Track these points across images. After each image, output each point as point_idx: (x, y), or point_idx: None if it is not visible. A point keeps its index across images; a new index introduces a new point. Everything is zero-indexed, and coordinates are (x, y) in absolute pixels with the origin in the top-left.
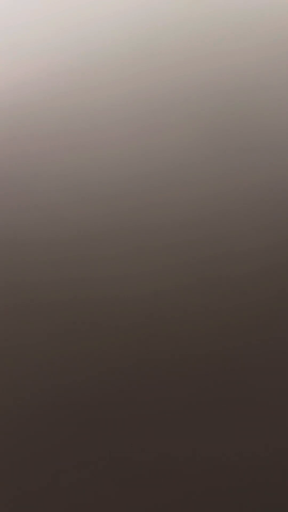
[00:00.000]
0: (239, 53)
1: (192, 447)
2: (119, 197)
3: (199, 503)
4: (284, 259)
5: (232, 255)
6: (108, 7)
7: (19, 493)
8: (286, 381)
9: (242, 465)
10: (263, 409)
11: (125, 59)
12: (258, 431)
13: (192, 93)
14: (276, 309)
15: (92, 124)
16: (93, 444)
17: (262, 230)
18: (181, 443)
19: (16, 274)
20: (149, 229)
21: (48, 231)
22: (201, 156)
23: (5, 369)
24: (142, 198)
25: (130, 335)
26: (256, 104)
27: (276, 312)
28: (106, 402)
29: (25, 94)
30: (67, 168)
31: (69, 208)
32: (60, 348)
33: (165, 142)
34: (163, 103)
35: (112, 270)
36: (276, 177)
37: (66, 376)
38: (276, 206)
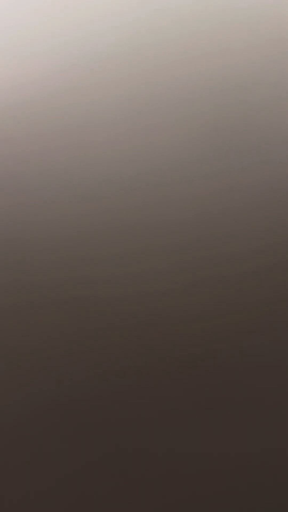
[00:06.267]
0: (238, 52)
1: (192, 446)
2: (119, 196)
3: (199, 503)
4: (283, 258)
5: (231, 254)
6: (107, 7)
7: (19, 493)
8: (286, 380)
9: (241, 464)
10: (262, 408)
11: (124, 59)
12: (258, 430)
13: (191, 92)
14: (276, 308)
15: (92, 123)
16: (93, 442)
17: (261, 229)
18: (182, 443)
19: (17, 273)
20: (148, 228)
21: (48, 231)
22: (200, 155)
23: (6, 367)
24: (141, 198)
25: (130, 334)
26: (255, 103)
27: (276, 311)
28: (107, 401)
29: (24, 94)
30: (67, 167)
31: (69, 208)
32: (60, 347)
33: (164, 141)
34: (162, 103)
35: (111, 269)
36: (275, 177)
37: (66, 375)
38: (275, 206)
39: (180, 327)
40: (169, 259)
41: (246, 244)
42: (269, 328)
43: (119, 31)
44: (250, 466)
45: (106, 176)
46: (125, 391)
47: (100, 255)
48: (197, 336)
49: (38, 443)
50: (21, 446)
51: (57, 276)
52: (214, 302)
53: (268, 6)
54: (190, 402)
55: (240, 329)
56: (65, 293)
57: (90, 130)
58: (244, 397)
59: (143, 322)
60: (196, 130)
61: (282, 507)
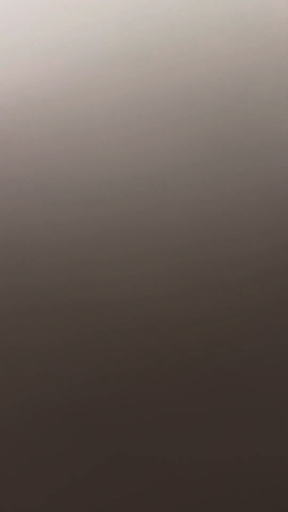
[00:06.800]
0: (239, 56)
1: (191, 449)
2: (119, 200)
3: (199, 508)
4: (283, 262)
5: (231, 258)
6: (108, 9)
7: (19, 497)
8: (286, 384)
9: (241, 469)
10: (262, 413)
11: (125, 62)
12: (258, 435)
13: (192, 96)
14: (276, 312)
15: (92, 126)
16: (92, 446)
17: (261, 233)
18: (181, 447)
19: (17, 277)
20: (149, 232)
21: (48, 234)
22: (200, 159)
23: (6, 371)
24: (141, 201)
25: (130, 337)
26: (255, 107)
27: (276, 315)
28: (107, 404)
29: (24, 97)
30: (67, 170)
31: (69, 211)
32: (60, 350)
33: (164, 145)
34: (163, 106)
35: (111, 272)
36: (275, 181)
37: (67, 378)
38: (275, 209)
39: (180, 331)
40: (169, 262)
41: (246, 248)
42: (269, 332)
43: (120, 34)
44: (250, 471)
45: (106, 180)
46: (125, 394)
47: (100, 258)
48: (197, 340)
49: (38, 447)
50: (21, 449)
51: (57, 280)
52: (214, 306)
53: (268, 7)
54: (190, 406)
55: (240, 333)
56: (65, 296)
57: (90, 133)
58: (244, 401)
59: (143, 326)
60: (196, 134)
61: None
